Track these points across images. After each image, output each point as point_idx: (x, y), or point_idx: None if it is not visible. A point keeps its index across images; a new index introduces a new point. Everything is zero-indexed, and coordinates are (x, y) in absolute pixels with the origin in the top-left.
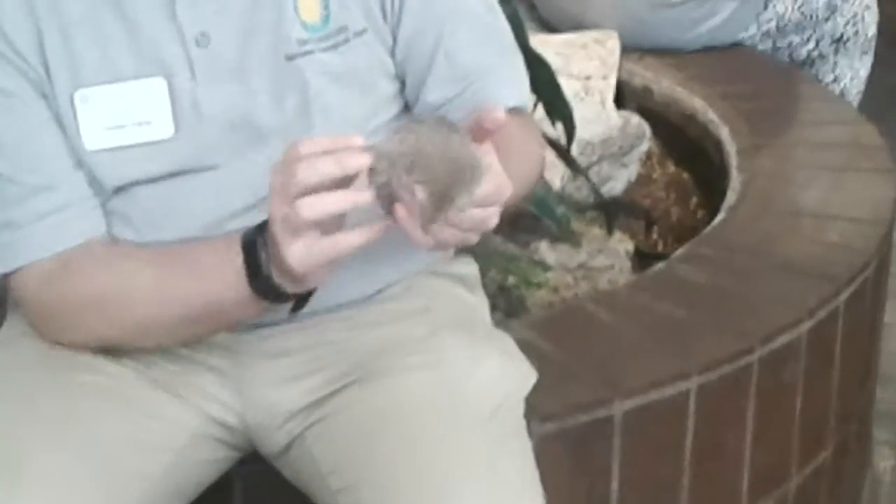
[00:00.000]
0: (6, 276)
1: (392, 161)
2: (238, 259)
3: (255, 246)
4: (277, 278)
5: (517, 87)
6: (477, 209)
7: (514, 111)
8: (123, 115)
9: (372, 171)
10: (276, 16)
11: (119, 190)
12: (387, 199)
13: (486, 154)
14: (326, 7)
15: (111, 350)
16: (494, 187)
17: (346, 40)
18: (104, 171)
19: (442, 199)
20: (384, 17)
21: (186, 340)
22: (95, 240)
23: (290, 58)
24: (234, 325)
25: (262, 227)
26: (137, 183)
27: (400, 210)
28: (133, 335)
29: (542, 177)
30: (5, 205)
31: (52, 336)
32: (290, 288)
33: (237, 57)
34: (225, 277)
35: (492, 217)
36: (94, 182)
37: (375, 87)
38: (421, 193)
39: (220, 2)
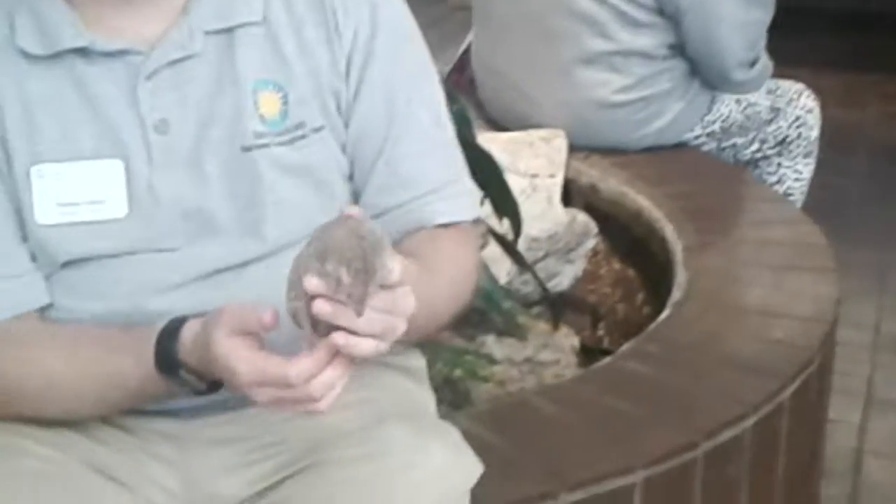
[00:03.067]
0: None
1: (305, 267)
2: (151, 343)
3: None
4: (189, 373)
5: (458, 204)
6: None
7: (452, 227)
8: (78, 193)
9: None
10: (236, 108)
11: (68, 263)
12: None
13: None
14: (286, 102)
15: (56, 433)
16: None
17: (304, 136)
18: (53, 246)
19: (365, 272)
20: (339, 111)
21: (103, 413)
22: (31, 314)
23: (245, 149)
24: (146, 400)
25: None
26: (88, 259)
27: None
28: (55, 417)
29: (488, 271)
30: None
31: None
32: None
33: (193, 146)
34: (134, 350)
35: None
36: (42, 255)
37: (330, 185)
38: (344, 274)
39: (181, 91)
